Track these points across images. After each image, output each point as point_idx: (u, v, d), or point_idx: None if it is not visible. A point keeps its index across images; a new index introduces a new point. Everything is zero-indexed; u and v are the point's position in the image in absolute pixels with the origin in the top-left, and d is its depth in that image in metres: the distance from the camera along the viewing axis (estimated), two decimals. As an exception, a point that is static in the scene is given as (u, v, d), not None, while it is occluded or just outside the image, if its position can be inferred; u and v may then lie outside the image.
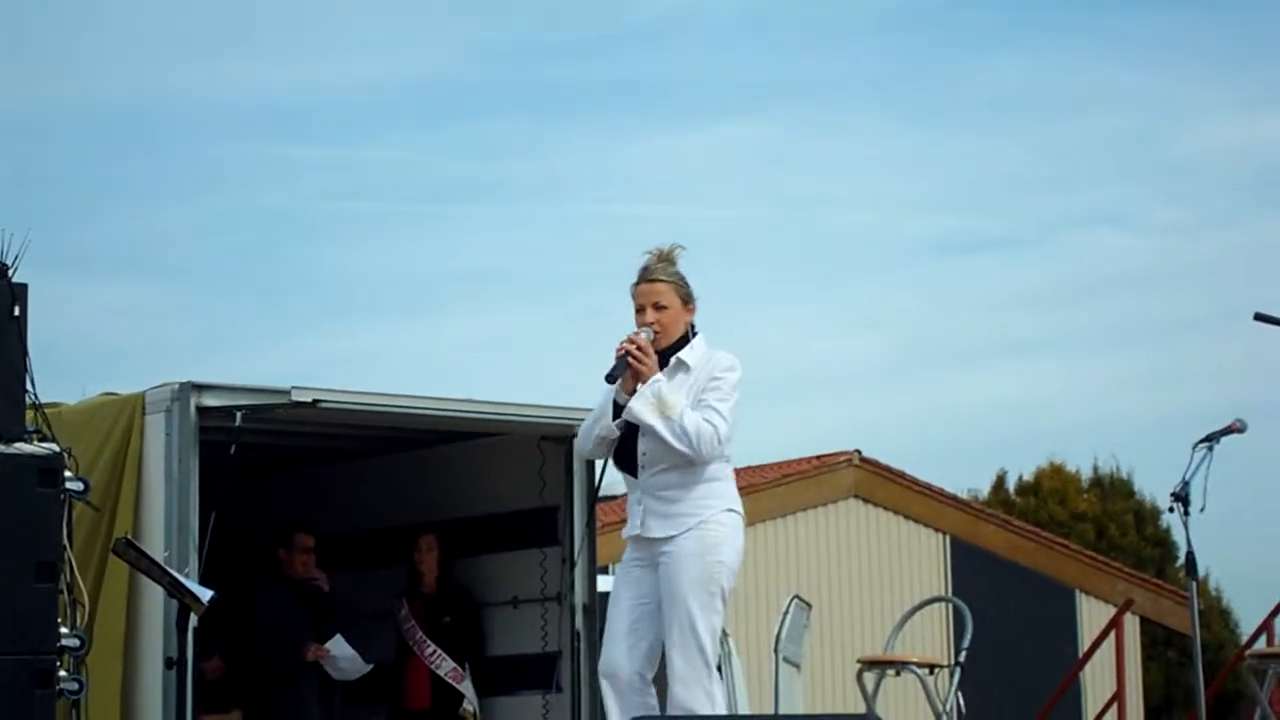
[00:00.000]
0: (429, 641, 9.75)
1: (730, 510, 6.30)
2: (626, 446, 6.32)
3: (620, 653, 6.23)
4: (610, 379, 6.27)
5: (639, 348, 6.23)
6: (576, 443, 6.60)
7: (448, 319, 41.34)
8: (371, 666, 9.61)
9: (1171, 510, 7.19)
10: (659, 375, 6.23)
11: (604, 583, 9.76)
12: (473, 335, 40.59)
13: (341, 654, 9.50)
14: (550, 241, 40.29)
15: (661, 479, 6.26)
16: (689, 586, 6.15)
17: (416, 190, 40.18)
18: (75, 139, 36.29)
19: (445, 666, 9.72)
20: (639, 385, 6.24)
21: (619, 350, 6.26)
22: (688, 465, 6.23)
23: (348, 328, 40.88)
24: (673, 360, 6.31)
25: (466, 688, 9.70)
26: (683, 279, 6.37)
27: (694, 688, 6.14)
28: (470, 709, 9.71)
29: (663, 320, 6.32)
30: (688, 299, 6.35)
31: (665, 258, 6.38)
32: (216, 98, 36.94)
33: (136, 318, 37.73)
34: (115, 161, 37.55)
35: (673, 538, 6.20)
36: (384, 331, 40.04)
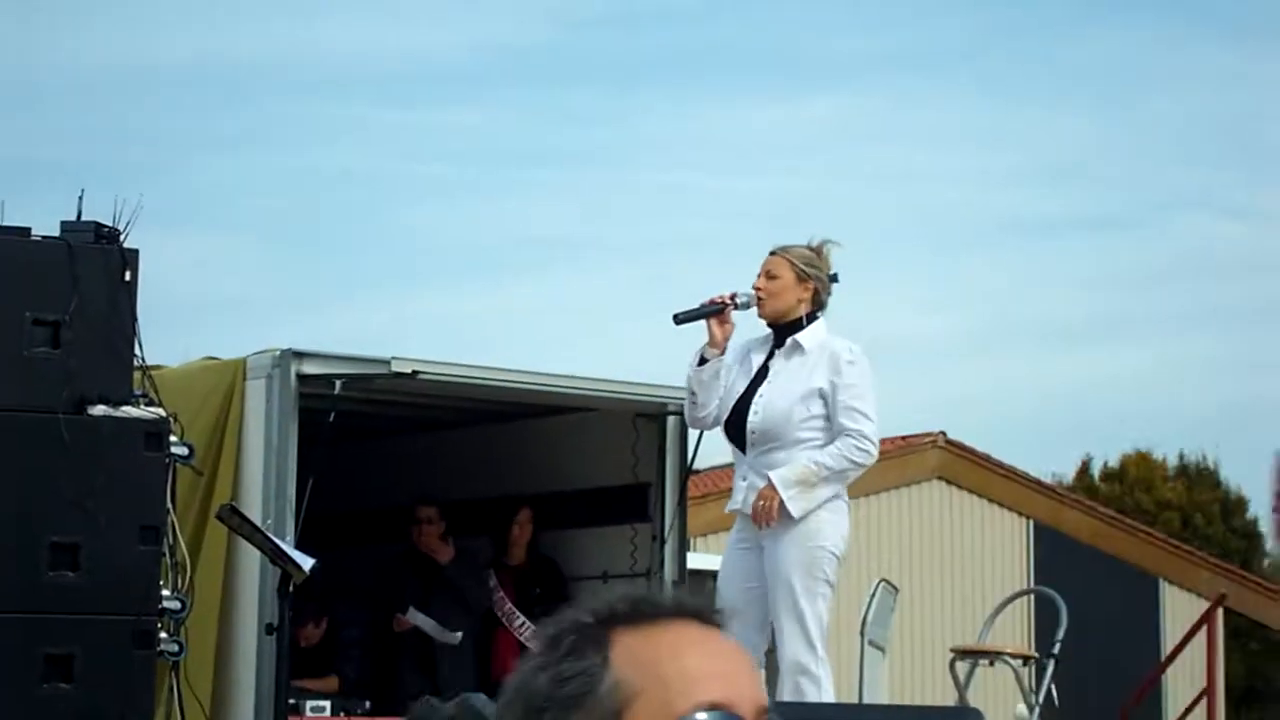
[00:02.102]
0: (518, 613, 9.80)
1: (834, 497, 6.35)
2: (737, 419, 6.40)
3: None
4: (676, 319, 6.39)
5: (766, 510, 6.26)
6: (688, 419, 6.69)
7: (522, 284, 41.48)
8: (458, 636, 9.65)
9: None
10: (776, 474, 6.26)
11: (693, 560, 9.79)
12: (547, 301, 40.72)
13: (422, 623, 9.58)
14: (628, 209, 40.34)
15: (768, 458, 6.34)
16: (792, 571, 6.22)
17: (495, 155, 40.30)
18: (157, 95, 36.60)
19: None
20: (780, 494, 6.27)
21: (711, 299, 6.38)
22: (794, 446, 6.30)
23: (422, 291, 41.11)
24: (789, 342, 6.43)
25: (555, 659, 9.73)
26: (808, 261, 6.45)
27: (800, 675, 6.18)
28: (555, 682, 9.74)
29: (770, 289, 6.49)
30: (803, 277, 6.43)
31: (812, 245, 6.49)
32: (299, 56, 37.17)
33: (207, 272, 38.05)
34: (195, 116, 37.85)
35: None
36: (458, 296, 40.25)
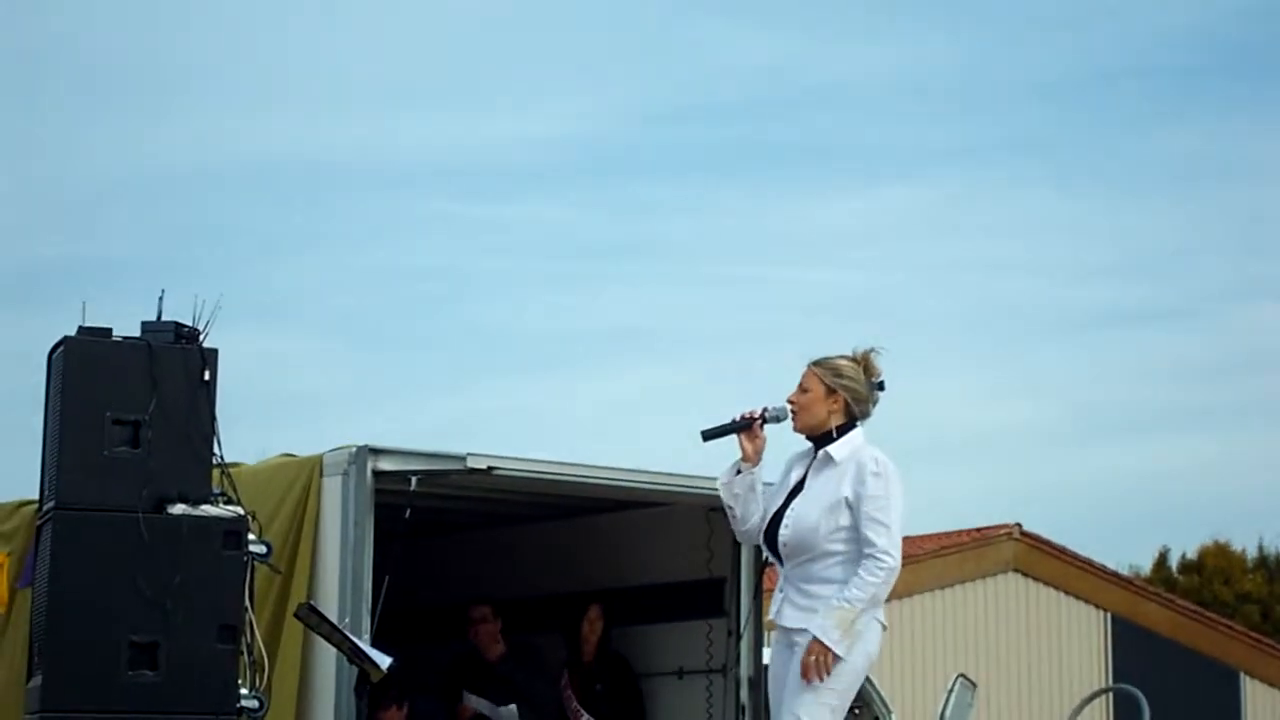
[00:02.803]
0: (583, 711, 9.77)
1: (864, 612, 6.35)
2: (771, 532, 6.48)
3: None
4: (704, 436, 6.46)
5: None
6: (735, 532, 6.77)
7: (596, 377, 41.61)
8: (512, 708, 9.63)
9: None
10: (816, 628, 6.25)
11: (769, 656, 9.73)
12: (621, 394, 40.83)
13: (475, 704, 9.60)
14: (705, 302, 40.44)
15: (802, 570, 6.42)
16: (810, 682, 6.24)
17: (569, 248, 40.55)
18: (235, 192, 37.11)
19: None
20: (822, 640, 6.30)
21: (742, 414, 6.44)
22: (825, 558, 6.34)
23: (497, 384, 41.26)
24: (820, 455, 6.48)
25: (618, 757, 9.69)
26: (838, 372, 6.49)
27: None
28: (621, 779, 9.70)
29: (800, 402, 6.57)
30: (831, 391, 6.47)
31: (855, 355, 6.54)
32: (372, 153, 37.57)
33: (283, 368, 38.38)
34: (271, 213, 38.33)
35: (805, 630, 6.31)
36: (533, 389, 40.37)
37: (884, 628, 6.46)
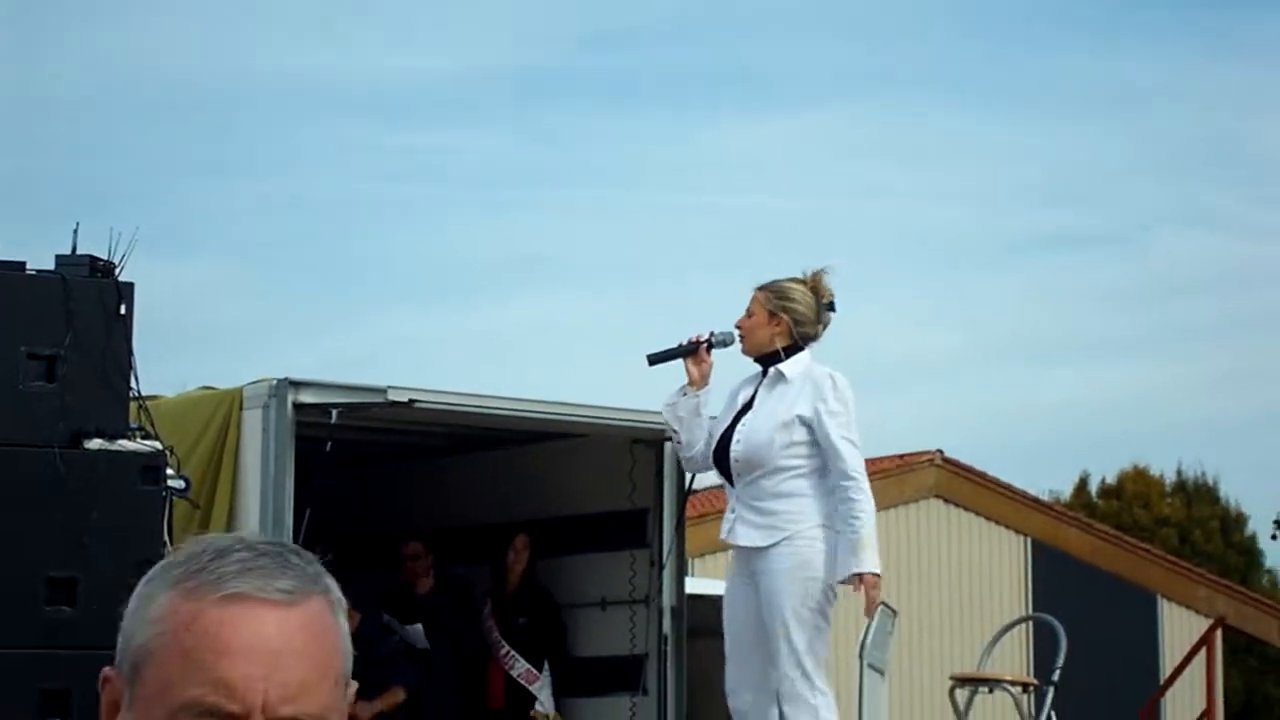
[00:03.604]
0: (504, 642, 9.80)
1: (824, 526, 6.35)
2: (722, 450, 6.44)
3: (733, 674, 6.36)
4: (650, 360, 6.46)
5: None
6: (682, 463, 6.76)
7: (512, 304, 41.51)
8: (419, 628, 9.66)
9: (1275, 538, 7.15)
10: (850, 563, 6.24)
11: (692, 585, 9.78)
12: (542, 323, 40.76)
13: (389, 624, 9.70)
14: (624, 229, 40.39)
15: (754, 488, 6.37)
16: (784, 602, 6.22)
17: (487, 176, 40.34)
18: (149, 118, 36.67)
19: (518, 667, 9.75)
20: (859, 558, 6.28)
21: (687, 339, 6.45)
22: (778, 473, 6.31)
23: (417, 313, 41.10)
24: (771, 372, 6.46)
25: (540, 689, 9.72)
26: (782, 295, 6.48)
27: (794, 703, 6.19)
28: (542, 711, 9.73)
29: (745, 326, 6.60)
30: (775, 314, 6.47)
31: (804, 278, 6.54)
32: (284, 82, 37.17)
33: (198, 297, 38.07)
34: (188, 141, 37.92)
35: (764, 550, 6.28)
36: (447, 316, 40.24)
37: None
